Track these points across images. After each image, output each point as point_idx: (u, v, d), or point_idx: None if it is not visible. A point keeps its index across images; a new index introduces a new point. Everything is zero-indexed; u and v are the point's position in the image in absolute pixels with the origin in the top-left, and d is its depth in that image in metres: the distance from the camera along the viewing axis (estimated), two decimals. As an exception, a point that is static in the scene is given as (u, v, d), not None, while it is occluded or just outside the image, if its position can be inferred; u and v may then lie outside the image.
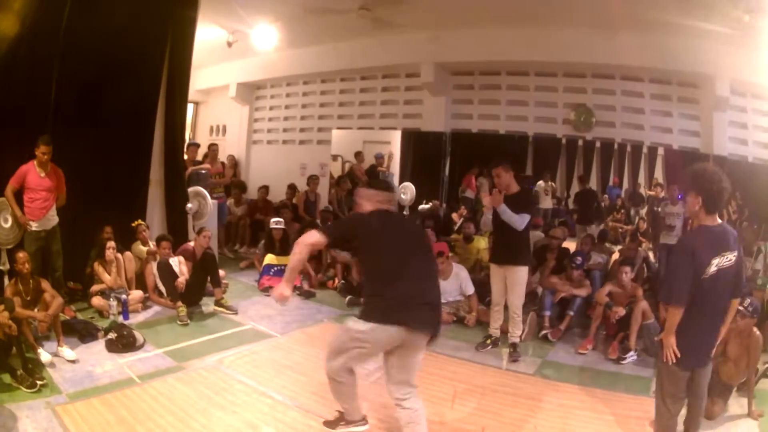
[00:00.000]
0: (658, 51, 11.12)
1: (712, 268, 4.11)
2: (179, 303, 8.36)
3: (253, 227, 13.47)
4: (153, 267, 9.00)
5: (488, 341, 7.69)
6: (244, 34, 13.67)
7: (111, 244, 8.60)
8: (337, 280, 10.59)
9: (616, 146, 13.13)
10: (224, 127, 18.98)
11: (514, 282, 7.30)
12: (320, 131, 16.48)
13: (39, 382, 5.87)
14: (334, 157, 15.89)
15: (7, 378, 5.88)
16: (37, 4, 8.01)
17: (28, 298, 6.82)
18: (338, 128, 15.94)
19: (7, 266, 7.51)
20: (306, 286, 10.16)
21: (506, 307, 7.58)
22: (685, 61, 11.18)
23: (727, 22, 9.54)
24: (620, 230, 13.45)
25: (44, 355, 6.52)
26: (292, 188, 14.89)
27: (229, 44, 13.93)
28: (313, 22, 12.82)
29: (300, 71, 16.29)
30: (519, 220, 6.98)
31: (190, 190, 10.33)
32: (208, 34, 12.64)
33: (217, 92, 18.56)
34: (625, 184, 13.81)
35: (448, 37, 13.04)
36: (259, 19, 12.92)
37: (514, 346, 7.55)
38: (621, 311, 7.95)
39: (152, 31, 9.74)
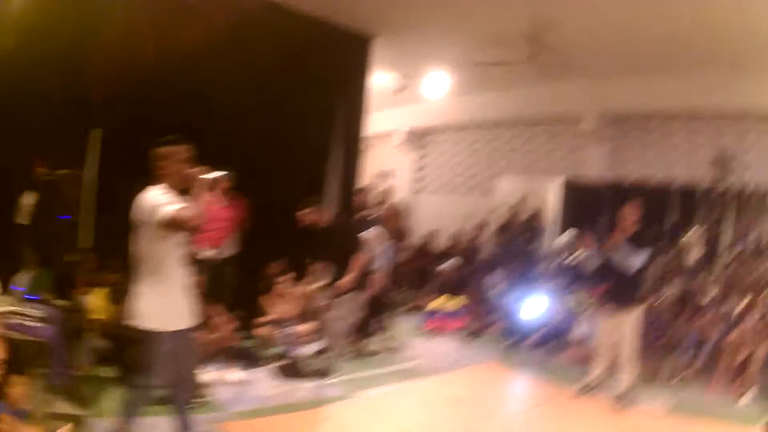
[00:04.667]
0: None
1: None
2: (348, 338, 8.45)
3: (418, 272, 13.58)
4: (322, 303, 9.14)
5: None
6: (411, 81, 13.79)
7: (286, 277, 8.87)
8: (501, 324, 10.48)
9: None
10: (390, 173, 19.08)
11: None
12: (486, 179, 16.38)
13: (200, 400, 6.09)
14: (498, 206, 15.77)
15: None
16: (227, 56, 8.60)
17: (196, 321, 7.10)
18: (503, 176, 15.84)
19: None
20: (472, 328, 10.19)
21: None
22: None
23: None
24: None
25: (208, 375, 6.72)
26: (456, 236, 14.95)
27: (397, 91, 14.12)
28: (481, 71, 12.90)
29: (466, 119, 16.23)
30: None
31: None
32: (375, 80, 12.87)
33: (382, 138, 18.70)
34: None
35: (611, 86, 12.87)
36: (426, 67, 13.09)
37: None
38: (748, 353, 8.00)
39: (325, 79, 10.08)
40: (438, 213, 16.85)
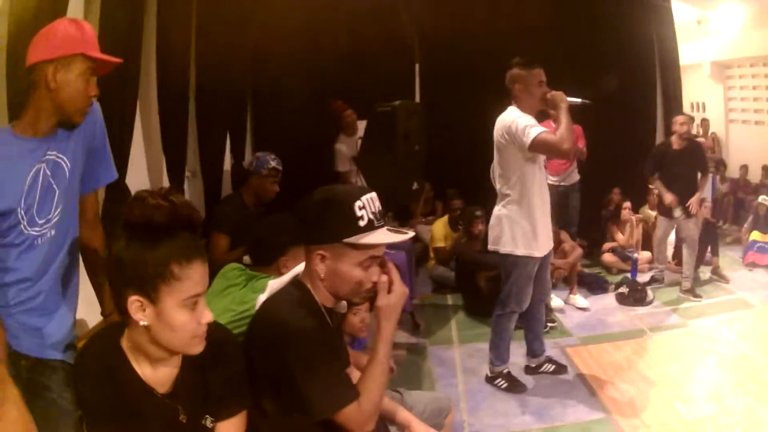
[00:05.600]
0: None
1: None
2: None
3: (735, 205, 13.46)
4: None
5: None
6: (711, 13, 13.79)
7: (627, 204, 9.00)
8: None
9: None
10: (703, 105, 18.41)
11: None
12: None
13: (549, 324, 6.37)
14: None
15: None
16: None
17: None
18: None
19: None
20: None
21: None
22: None
23: None
24: None
25: (555, 301, 7.09)
26: (765, 169, 14.56)
27: (699, 23, 14.10)
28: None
29: (761, 53, 15.76)
30: None
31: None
32: (677, 13, 12.77)
33: (690, 69, 17.47)
34: None
35: None
36: (720, 1, 13.00)
37: None
38: None
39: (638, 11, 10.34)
40: (747, 146, 16.44)
